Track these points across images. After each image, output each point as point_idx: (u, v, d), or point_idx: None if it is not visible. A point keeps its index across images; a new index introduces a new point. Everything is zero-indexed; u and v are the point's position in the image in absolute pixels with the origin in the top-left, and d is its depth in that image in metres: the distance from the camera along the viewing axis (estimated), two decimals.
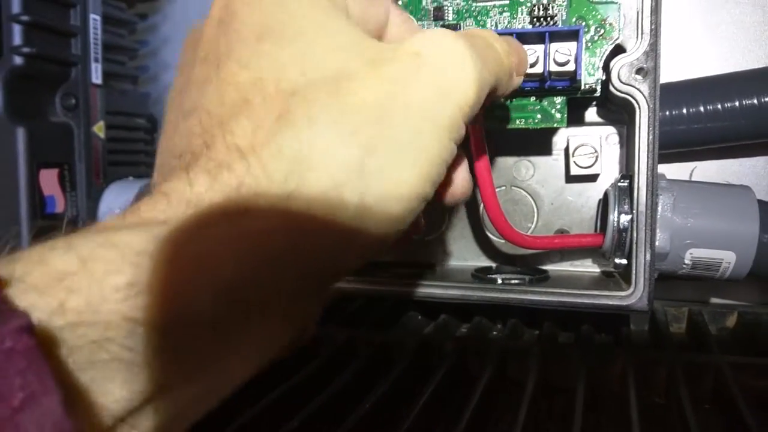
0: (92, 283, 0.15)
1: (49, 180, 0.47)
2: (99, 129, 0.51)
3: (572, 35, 0.29)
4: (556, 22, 0.33)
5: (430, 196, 0.20)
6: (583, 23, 0.32)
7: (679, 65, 0.44)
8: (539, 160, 0.40)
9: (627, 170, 0.37)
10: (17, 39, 0.45)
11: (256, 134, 0.18)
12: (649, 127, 0.33)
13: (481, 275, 0.38)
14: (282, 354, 0.19)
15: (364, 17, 0.23)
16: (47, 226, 0.46)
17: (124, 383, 0.15)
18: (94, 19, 0.50)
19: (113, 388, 0.15)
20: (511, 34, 0.29)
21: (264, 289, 0.17)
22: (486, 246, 0.42)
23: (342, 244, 0.18)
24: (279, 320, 0.18)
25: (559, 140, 0.40)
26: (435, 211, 0.42)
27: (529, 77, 0.31)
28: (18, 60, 0.45)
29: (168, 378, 0.16)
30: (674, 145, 0.41)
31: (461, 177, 0.25)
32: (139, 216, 0.17)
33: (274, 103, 0.18)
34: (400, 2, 0.34)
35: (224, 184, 0.17)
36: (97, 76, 0.51)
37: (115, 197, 0.51)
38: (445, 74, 0.20)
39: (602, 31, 0.33)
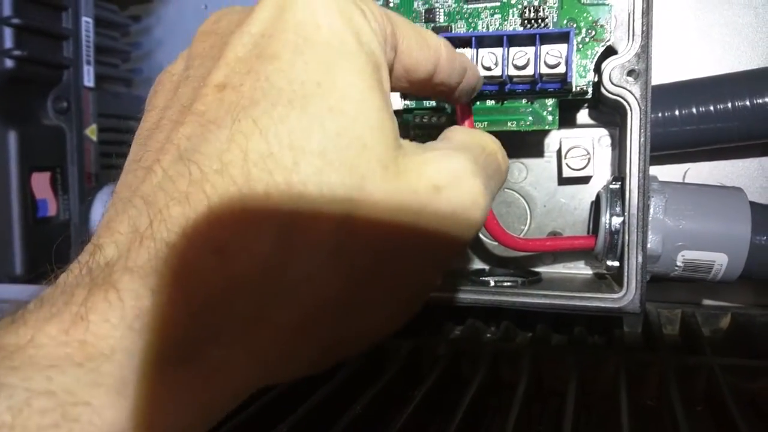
0: None
1: (41, 183, 0.47)
2: (91, 132, 0.51)
3: (563, 37, 0.29)
4: (547, 24, 0.33)
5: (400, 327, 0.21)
6: (575, 25, 0.32)
7: (672, 67, 0.44)
8: (532, 162, 0.40)
9: (619, 172, 0.37)
10: (8, 42, 0.45)
11: (245, 233, 0.16)
12: (640, 129, 0.32)
13: (473, 278, 0.38)
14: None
15: (410, 65, 0.22)
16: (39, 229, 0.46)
17: None
18: (87, 22, 0.50)
19: None
20: (501, 36, 0.30)
21: None
22: (479, 248, 0.42)
23: None
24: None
25: (551, 142, 0.40)
26: None
27: (520, 79, 0.31)
28: (9, 63, 0.45)
29: None
30: (667, 146, 0.41)
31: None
32: (86, 330, 0.15)
33: (278, 197, 0.16)
34: (391, 4, 0.34)
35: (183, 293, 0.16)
36: (89, 79, 0.51)
37: (107, 200, 0.50)
38: (459, 217, 0.20)
39: (593, 32, 0.33)
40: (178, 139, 0.17)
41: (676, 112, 0.40)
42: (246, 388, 0.18)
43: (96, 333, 0.15)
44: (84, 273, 0.16)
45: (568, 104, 0.36)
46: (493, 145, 0.24)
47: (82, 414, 0.14)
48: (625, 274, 0.33)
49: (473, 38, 0.30)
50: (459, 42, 0.30)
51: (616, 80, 0.32)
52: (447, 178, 0.19)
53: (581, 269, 0.40)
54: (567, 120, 0.38)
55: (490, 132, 0.34)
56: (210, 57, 0.19)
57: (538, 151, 0.40)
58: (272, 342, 0.17)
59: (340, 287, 0.18)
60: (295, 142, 0.17)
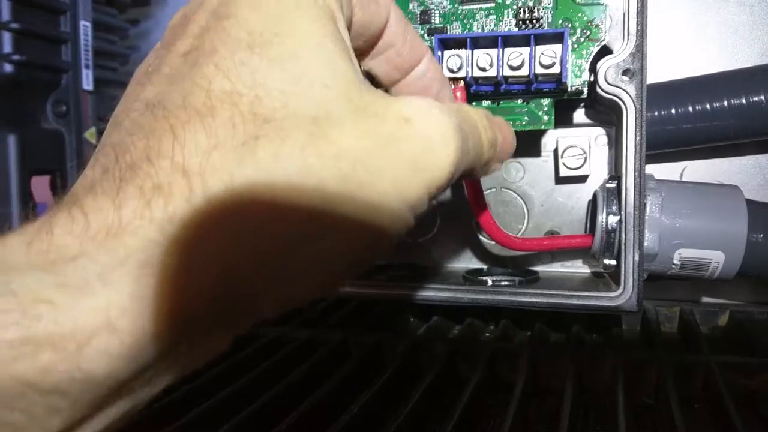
0: None
1: (41, 187, 0.47)
2: (90, 135, 0.51)
3: (557, 38, 0.30)
4: (542, 24, 0.33)
5: (364, 264, 0.20)
6: (569, 25, 0.33)
7: (668, 65, 0.44)
8: (529, 162, 0.41)
9: (615, 171, 0.37)
10: (7, 47, 0.45)
11: (210, 155, 0.16)
12: (636, 128, 0.33)
13: (471, 277, 0.38)
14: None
15: (365, 19, 0.22)
16: None
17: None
18: (85, 26, 0.50)
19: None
20: (496, 37, 0.30)
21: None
22: (477, 248, 0.42)
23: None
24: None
25: (548, 142, 0.40)
26: (426, 214, 0.42)
27: (515, 79, 0.31)
28: (8, 68, 0.45)
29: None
30: (664, 145, 0.41)
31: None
32: (49, 242, 0.15)
33: (243, 125, 0.17)
34: None
35: (157, 211, 0.15)
36: (88, 83, 0.51)
37: None
38: (427, 150, 0.19)
39: (588, 32, 0.33)
40: (145, 98, 0.18)
41: (673, 111, 0.40)
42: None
43: (60, 243, 0.15)
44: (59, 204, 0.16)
45: (565, 103, 0.36)
46: (471, 110, 0.23)
47: (43, 313, 0.13)
48: (622, 272, 0.33)
49: (468, 39, 0.30)
50: (454, 43, 0.30)
51: (612, 80, 0.33)
52: (416, 111, 0.19)
53: (579, 268, 0.40)
54: (563, 119, 0.38)
55: None
56: (175, 34, 0.20)
57: (535, 151, 0.40)
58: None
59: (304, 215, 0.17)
60: (258, 81, 0.17)
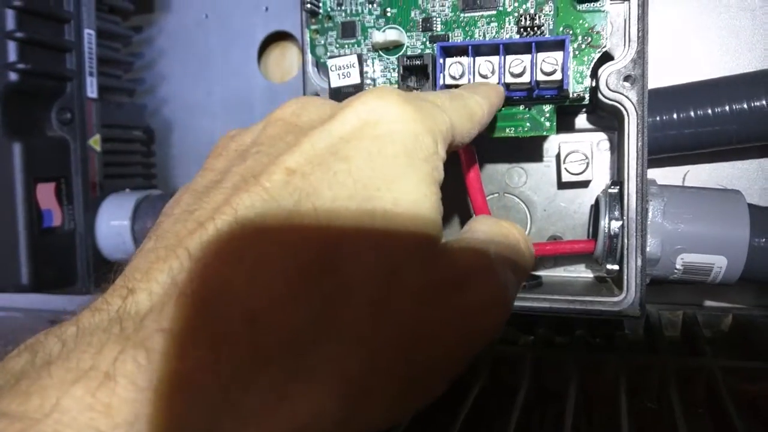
0: None
1: (46, 194, 0.47)
2: (95, 142, 0.51)
3: (558, 45, 0.30)
4: (543, 31, 0.33)
5: None
6: (571, 32, 0.33)
7: (670, 70, 0.44)
8: (531, 167, 0.41)
9: (617, 176, 0.37)
10: (12, 56, 0.45)
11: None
12: (638, 134, 0.33)
13: None
14: None
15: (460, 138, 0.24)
16: (45, 239, 0.47)
17: None
18: (89, 34, 0.50)
19: None
20: (498, 44, 0.30)
21: None
22: None
23: None
24: None
25: (550, 147, 0.40)
26: None
27: (517, 86, 0.31)
28: (13, 76, 0.45)
29: None
30: (665, 150, 0.41)
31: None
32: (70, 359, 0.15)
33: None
34: (389, 14, 0.34)
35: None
36: (92, 90, 0.51)
37: (112, 210, 0.51)
38: (480, 317, 0.21)
39: (590, 39, 0.33)
40: (236, 204, 0.18)
41: (674, 116, 0.40)
42: None
43: (122, 396, 0.15)
44: (113, 320, 0.16)
45: (567, 109, 0.36)
46: (516, 234, 0.25)
47: None
48: (625, 277, 0.33)
49: (470, 47, 0.30)
50: (456, 50, 0.31)
51: (613, 86, 0.33)
52: (469, 275, 0.21)
53: (581, 273, 0.40)
54: (565, 125, 0.39)
55: (490, 138, 0.34)
56: (285, 141, 0.20)
57: (537, 156, 0.40)
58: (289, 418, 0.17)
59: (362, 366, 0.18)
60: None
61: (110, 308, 0.16)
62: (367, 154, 0.19)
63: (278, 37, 0.58)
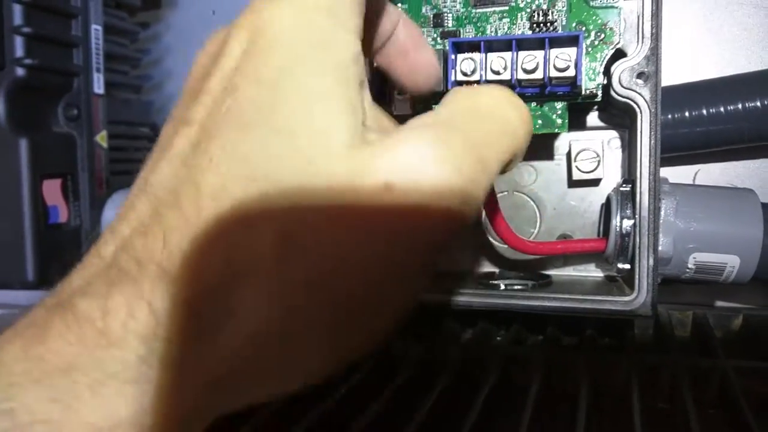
0: None
1: (52, 190, 0.47)
2: (102, 138, 0.51)
3: (572, 41, 0.29)
4: (556, 27, 0.33)
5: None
6: (584, 28, 0.32)
7: (682, 68, 0.44)
8: (542, 165, 0.40)
9: (629, 175, 0.37)
10: (19, 51, 0.45)
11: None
12: (650, 132, 0.32)
13: (484, 281, 0.38)
14: None
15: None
16: (51, 236, 0.47)
17: None
18: (96, 30, 0.50)
19: None
20: (510, 40, 0.30)
21: None
22: (489, 252, 0.42)
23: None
24: None
25: (561, 145, 0.40)
26: None
27: (529, 83, 0.31)
28: (20, 72, 0.45)
29: None
30: (677, 148, 0.41)
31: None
32: (45, 350, 0.15)
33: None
34: (399, 8, 0.34)
35: (140, 324, 0.15)
36: (99, 86, 0.51)
37: (118, 206, 0.51)
38: (422, 220, 0.16)
39: (603, 35, 0.32)
40: (147, 175, 0.18)
41: (686, 114, 0.40)
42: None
43: (54, 350, 0.15)
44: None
45: (578, 107, 0.36)
46: (490, 99, 0.20)
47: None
48: (636, 276, 0.33)
49: (482, 43, 0.30)
50: (468, 46, 0.30)
51: (626, 83, 0.32)
52: (400, 173, 0.16)
53: (592, 272, 0.40)
54: (576, 122, 0.38)
55: None
56: (188, 94, 0.20)
57: (547, 154, 0.40)
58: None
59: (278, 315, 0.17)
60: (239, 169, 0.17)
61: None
62: (255, 77, 0.17)
63: None
